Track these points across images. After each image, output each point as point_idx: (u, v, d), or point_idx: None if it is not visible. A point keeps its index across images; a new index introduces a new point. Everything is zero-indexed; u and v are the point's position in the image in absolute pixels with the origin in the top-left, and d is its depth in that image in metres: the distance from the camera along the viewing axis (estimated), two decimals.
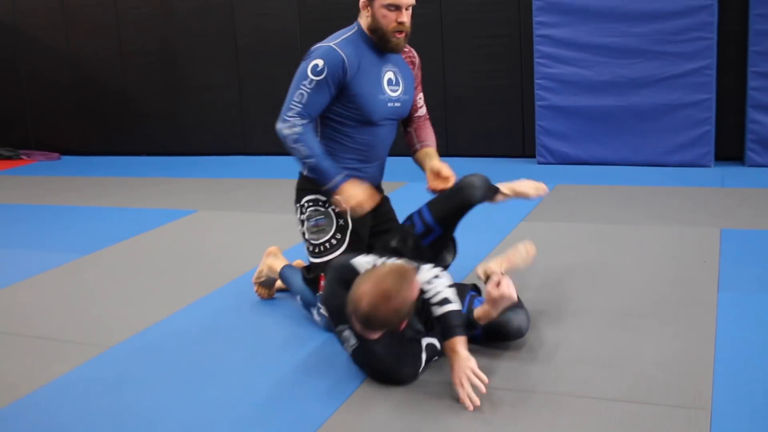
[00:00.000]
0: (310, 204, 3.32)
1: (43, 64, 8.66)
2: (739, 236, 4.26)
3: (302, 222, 3.35)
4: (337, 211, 3.25)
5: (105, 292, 3.96)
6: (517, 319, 2.94)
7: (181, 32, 7.99)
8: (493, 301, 2.76)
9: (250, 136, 7.91)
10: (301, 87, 3.16)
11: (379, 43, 3.23)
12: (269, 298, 3.69)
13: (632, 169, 6.21)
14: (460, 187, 3.17)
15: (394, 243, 3.17)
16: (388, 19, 3.17)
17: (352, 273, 2.82)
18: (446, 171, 3.26)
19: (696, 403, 2.51)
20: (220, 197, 6.02)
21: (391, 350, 2.73)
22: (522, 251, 3.41)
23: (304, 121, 3.17)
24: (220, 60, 7.90)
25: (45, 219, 5.69)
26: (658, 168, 6.18)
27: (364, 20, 3.26)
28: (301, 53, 8.24)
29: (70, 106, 8.66)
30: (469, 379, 2.59)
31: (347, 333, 2.77)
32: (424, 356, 2.78)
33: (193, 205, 5.77)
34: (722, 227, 4.42)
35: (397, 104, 3.33)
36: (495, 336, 2.96)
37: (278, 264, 3.56)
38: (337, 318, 2.83)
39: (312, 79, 3.14)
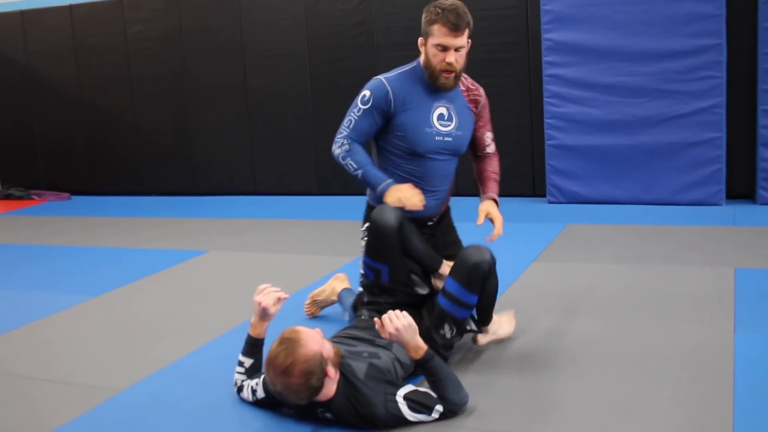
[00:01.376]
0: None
1: (55, 105, 8.73)
2: (754, 276, 4.23)
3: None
4: None
5: (116, 334, 3.94)
6: (476, 255, 3.01)
7: (192, 73, 8.05)
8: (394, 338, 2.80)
9: (260, 176, 7.93)
10: (351, 114, 3.40)
11: (430, 80, 3.33)
12: (312, 317, 3.91)
13: (643, 207, 6.20)
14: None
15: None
16: (438, 59, 3.27)
17: None
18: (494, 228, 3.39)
19: None
20: (231, 237, 6.02)
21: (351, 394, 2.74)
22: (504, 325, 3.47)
23: (349, 140, 3.40)
24: (230, 100, 7.95)
25: (55, 259, 5.69)
26: (669, 207, 6.17)
27: (422, 57, 3.36)
28: (311, 94, 8.37)
29: (80, 146, 8.71)
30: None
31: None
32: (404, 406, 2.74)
33: (204, 246, 5.77)
34: (736, 266, 4.39)
35: (448, 139, 3.38)
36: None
37: (341, 287, 3.79)
38: None
39: (360, 108, 3.38)
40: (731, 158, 6.19)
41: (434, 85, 3.32)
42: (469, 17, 3.27)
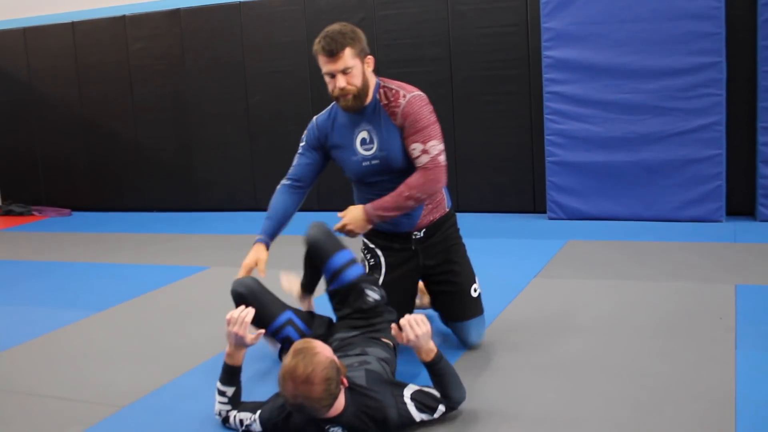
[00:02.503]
0: (363, 247, 3.65)
1: (56, 121, 8.77)
2: (755, 292, 4.22)
3: None
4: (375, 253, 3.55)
5: (117, 351, 3.94)
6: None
7: (194, 89, 8.09)
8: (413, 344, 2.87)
9: (261, 192, 7.94)
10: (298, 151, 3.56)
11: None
12: None
13: (643, 224, 6.20)
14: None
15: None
16: (330, 87, 3.32)
17: None
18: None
19: None
20: (232, 253, 5.99)
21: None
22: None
23: (287, 182, 3.54)
24: (231, 117, 7.98)
25: (56, 275, 5.70)
26: (669, 223, 6.17)
27: None
28: (312, 111, 8.37)
29: (82, 162, 8.74)
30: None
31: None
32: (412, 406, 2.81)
33: (206, 262, 5.77)
34: (737, 283, 4.39)
35: (375, 161, 3.36)
36: None
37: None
38: None
39: (300, 148, 3.56)
40: (731, 175, 6.21)
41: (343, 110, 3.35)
42: (351, 36, 3.25)
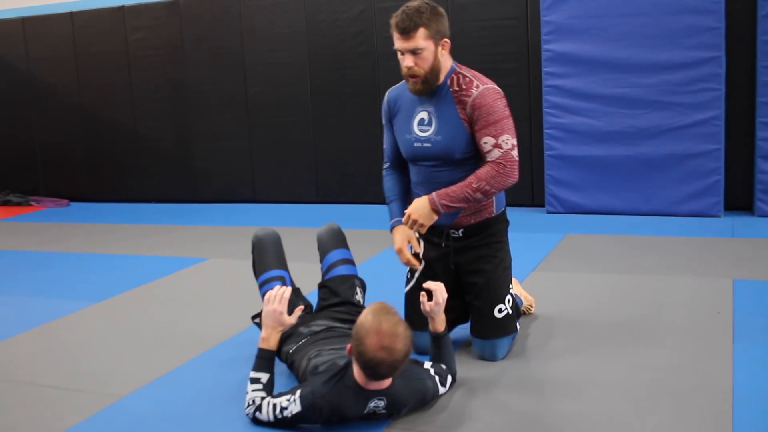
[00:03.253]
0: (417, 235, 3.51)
1: (55, 111, 8.75)
2: (753, 287, 4.24)
3: None
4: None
5: (116, 341, 3.94)
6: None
7: (193, 80, 8.07)
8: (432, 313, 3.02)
9: (260, 183, 7.95)
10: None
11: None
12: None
13: (642, 218, 6.21)
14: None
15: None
16: (402, 65, 3.22)
17: None
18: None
19: None
20: (230, 245, 6.02)
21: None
22: None
23: (386, 164, 3.53)
24: (230, 108, 7.97)
25: (54, 266, 5.69)
26: (667, 218, 6.18)
27: None
28: (311, 102, 8.37)
29: (80, 152, 8.72)
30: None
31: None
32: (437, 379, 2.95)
33: (204, 253, 5.78)
34: (735, 278, 4.40)
35: (427, 144, 3.26)
36: None
37: None
38: None
39: (383, 124, 3.52)
40: (730, 170, 6.22)
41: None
42: (428, 16, 3.12)
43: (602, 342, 3.54)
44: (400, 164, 3.49)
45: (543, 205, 6.74)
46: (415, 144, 3.29)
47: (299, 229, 6.09)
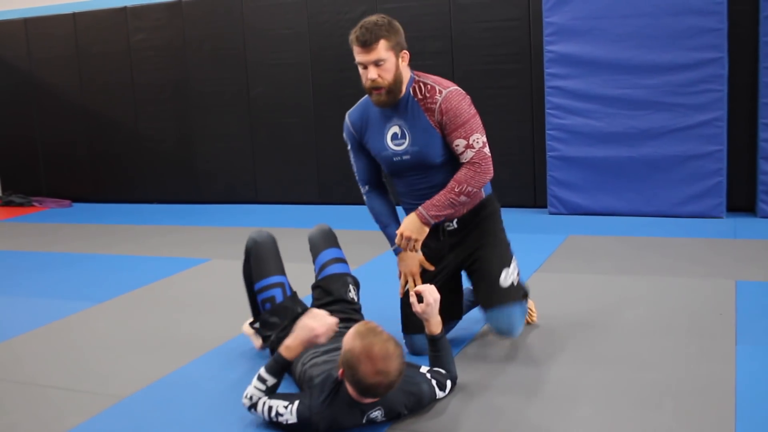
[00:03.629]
0: None
1: (57, 111, 8.76)
2: (755, 288, 4.23)
3: None
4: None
5: (118, 342, 3.94)
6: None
7: (195, 81, 8.08)
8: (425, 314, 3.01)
9: (262, 184, 7.95)
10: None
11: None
12: None
13: (644, 219, 6.21)
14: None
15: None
16: (364, 77, 3.25)
17: None
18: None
19: None
20: (232, 246, 5.98)
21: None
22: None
23: (365, 188, 3.54)
24: (232, 109, 7.97)
25: (57, 267, 5.70)
26: (669, 219, 6.18)
27: None
28: (313, 104, 8.36)
29: (82, 153, 8.73)
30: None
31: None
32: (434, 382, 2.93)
33: (206, 254, 5.78)
34: (737, 279, 4.40)
35: (406, 157, 3.33)
36: None
37: None
38: None
39: (348, 149, 3.54)
40: (732, 171, 6.21)
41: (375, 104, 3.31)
42: (387, 28, 3.18)
43: (604, 343, 3.54)
44: (379, 185, 3.55)
45: (545, 206, 6.74)
46: (395, 159, 3.36)
47: (300, 230, 6.08)
